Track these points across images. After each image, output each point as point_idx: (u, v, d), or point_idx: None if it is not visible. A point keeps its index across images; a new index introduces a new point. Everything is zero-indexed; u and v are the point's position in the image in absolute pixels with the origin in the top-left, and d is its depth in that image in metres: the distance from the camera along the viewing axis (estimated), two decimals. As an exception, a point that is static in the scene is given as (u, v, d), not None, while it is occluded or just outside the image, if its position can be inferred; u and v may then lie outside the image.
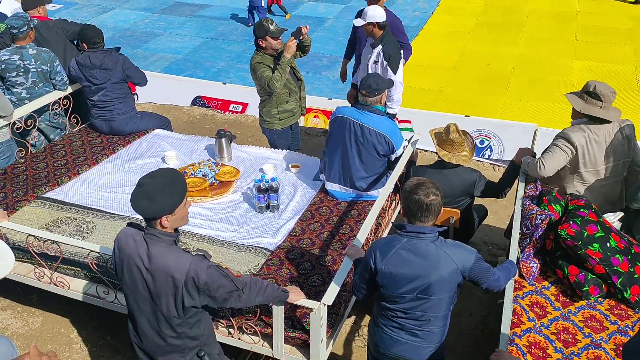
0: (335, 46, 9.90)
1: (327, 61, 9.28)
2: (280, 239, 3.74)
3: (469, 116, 6.58)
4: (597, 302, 3.09)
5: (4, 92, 4.73)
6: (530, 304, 3.07)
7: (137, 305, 2.51)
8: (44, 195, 4.21)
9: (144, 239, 2.40)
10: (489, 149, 6.52)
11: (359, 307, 3.98)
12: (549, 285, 3.22)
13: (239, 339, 3.12)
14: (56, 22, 5.42)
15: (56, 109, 5.03)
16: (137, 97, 5.35)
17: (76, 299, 3.57)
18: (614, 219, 3.42)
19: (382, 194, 3.69)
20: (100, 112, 4.95)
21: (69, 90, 5.07)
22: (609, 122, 3.48)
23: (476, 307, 4.18)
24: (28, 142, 4.90)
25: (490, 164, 6.34)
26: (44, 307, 4.12)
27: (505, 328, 2.77)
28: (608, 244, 3.04)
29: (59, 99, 5.01)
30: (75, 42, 5.39)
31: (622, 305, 3.06)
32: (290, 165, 4.57)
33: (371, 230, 3.43)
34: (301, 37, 4.56)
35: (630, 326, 2.94)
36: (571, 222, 3.11)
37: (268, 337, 3.04)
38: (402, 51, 4.83)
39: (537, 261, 3.26)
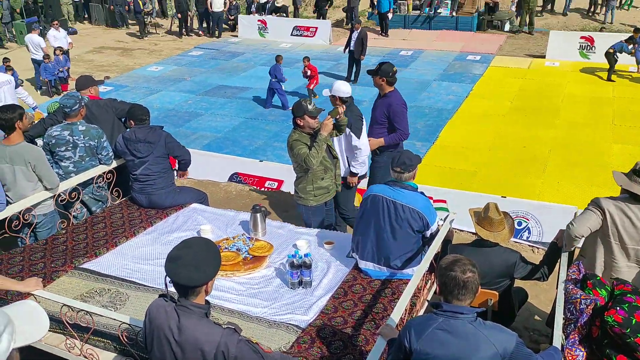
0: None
1: (362, 141, 9.43)
2: (312, 317, 3.65)
3: (505, 197, 6.50)
4: (650, 396, 2.86)
5: (52, 166, 4.95)
6: (577, 395, 2.87)
7: (165, 379, 2.45)
8: (81, 266, 4.27)
9: (175, 311, 2.38)
10: (527, 231, 6.37)
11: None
12: (597, 376, 3.01)
13: (266, 421, 2.98)
14: (106, 101, 5.74)
15: (100, 182, 5.22)
16: (177, 172, 5.52)
17: (104, 373, 3.52)
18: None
19: (417, 272, 3.61)
20: (141, 186, 5.10)
21: (114, 164, 5.27)
22: None
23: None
24: (70, 214, 5.05)
25: (529, 245, 6.17)
26: (72, 380, 4.06)
27: (551, 421, 2.58)
28: (660, 333, 2.86)
29: (103, 173, 5.20)
30: (122, 119, 5.67)
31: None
32: (324, 242, 4.54)
33: (406, 310, 3.33)
34: (337, 117, 4.69)
35: None
36: (618, 308, 2.95)
37: (297, 421, 2.90)
38: (363, 120, 5.27)
39: (583, 349, 3.08)
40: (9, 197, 4.70)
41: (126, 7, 20.21)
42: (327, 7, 18.95)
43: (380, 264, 4.01)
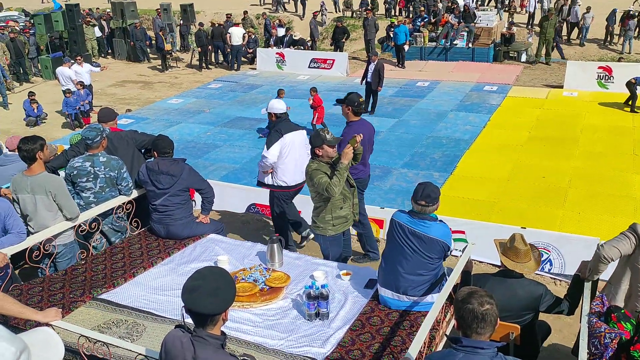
0: (388, 157, 10.11)
1: (379, 171, 9.44)
2: (329, 349, 3.60)
3: (525, 228, 6.41)
4: None
5: (73, 197, 5.02)
6: None
7: (180, 412, 2.42)
8: (99, 297, 4.29)
9: (191, 342, 2.37)
10: (548, 263, 6.25)
11: None
12: (625, 414, 2.90)
13: None
14: (128, 132, 5.85)
15: (119, 213, 5.27)
16: (195, 203, 5.55)
17: (119, 405, 3.49)
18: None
19: (435, 304, 3.55)
20: (159, 217, 5.14)
21: (134, 195, 5.33)
22: None
23: None
24: (90, 244, 5.09)
25: (551, 278, 6.06)
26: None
27: None
28: (689, 369, 2.76)
29: (123, 203, 5.26)
30: (142, 151, 5.76)
31: None
32: (341, 273, 4.51)
33: (424, 343, 3.26)
34: (355, 145, 4.71)
35: None
36: (645, 342, 2.86)
37: None
38: (284, 137, 5.78)
39: (609, 385, 2.98)
40: (30, 226, 4.77)
41: (147, 42, 20.76)
42: (344, 40, 19.23)
43: (399, 292, 3.97)
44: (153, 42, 20.88)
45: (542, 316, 4.06)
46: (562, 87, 14.51)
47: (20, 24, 21.92)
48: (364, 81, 12.72)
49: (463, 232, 6.41)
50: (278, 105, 5.98)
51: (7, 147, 6.26)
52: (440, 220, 3.97)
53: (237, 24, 19.72)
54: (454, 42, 18.00)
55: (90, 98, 13.82)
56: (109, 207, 5.14)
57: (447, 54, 18.10)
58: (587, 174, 9.01)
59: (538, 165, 9.42)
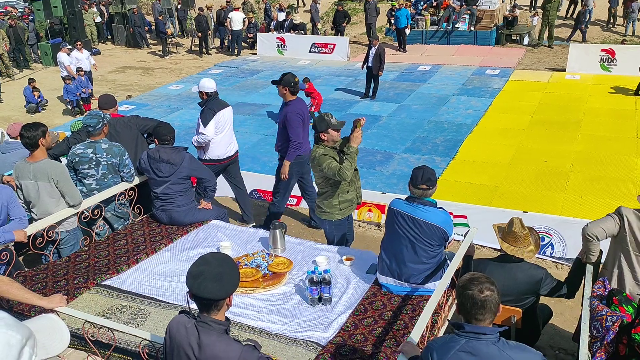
0: (390, 142, 10.10)
1: (380, 157, 9.43)
2: (332, 334, 3.63)
3: (527, 212, 6.42)
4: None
5: (75, 184, 5.03)
6: (605, 416, 2.79)
7: (185, 397, 2.44)
8: (103, 283, 4.32)
9: (196, 327, 2.39)
10: (550, 247, 6.27)
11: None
12: (626, 396, 2.93)
13: None
14: (130, 118, 5.84)
15: (122, 199, 5.28)
16: (200, 201, 5.54)
17: (125, 390, 3.53)
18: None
19: (437, 289, 3.57)
20: (161, 204, 5.15)
21: (136, 182, 5.34)
22: None
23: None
24: (93, 231, 5.11)
25: (553, 262, 6.07)
26: (93, 397, 4.08)
27: None
28: (690, 351, 2.78)
29: (125, 190, 5.27)
30: (145, 135, 5.76)
31: None
32: (343, 258, 4.53)
33: (427, 327, 3.29)
34: (359, 128, 4.69)
35: None
36: (646, 325, 2.87)
37: None
38: (217, 114, 6.11)
39: (610, 368, 3.00)
40: (33, 213, 4.79)
41: (146, 27, 20.62)
42: (344, 24, 19.09)
43: (401, 279, 3.98)
44: (152, 27, 20.74)
45: (544, 299, 4.09)
46: (564, 70, 14.42)
47: (19, 10, 21.81)
48: (365, 66, 12.65)
49: (465, 217, 6.42)
50: (208, 84, 6.26)
51: (8, 134, 6.25)
52: (441, 207, 3.96)
53: (236, 9, 19.57)
54: (456, 26, 17.86)
55: (91, 85, 13.79)
56: (112, 193, 5.15)
57: (448, 37, 17.97)
58: (589, 158, 8.99)
59: (540, 149, 9.40)
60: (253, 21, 19.72)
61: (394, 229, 3.92)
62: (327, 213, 4.87)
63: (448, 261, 3.99)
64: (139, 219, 5.43)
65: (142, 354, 3.29)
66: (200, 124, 6.23)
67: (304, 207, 7.41)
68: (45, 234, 4.61)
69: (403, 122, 11.22)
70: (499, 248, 3.96)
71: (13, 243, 4.34)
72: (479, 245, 5.99)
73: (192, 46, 19.86)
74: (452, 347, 2.42)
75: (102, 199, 5.07)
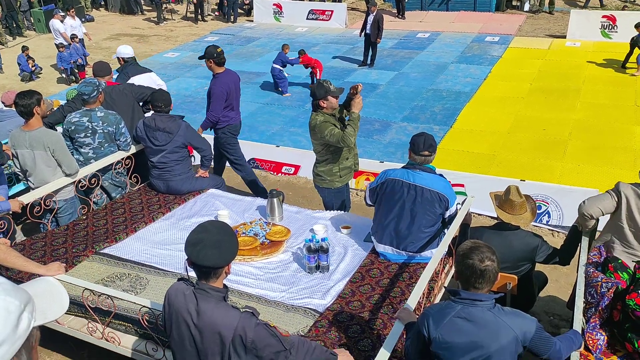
0: (387, 111, 10.04)
1: (378, 125, 9.39)
2: (330, 301, 3.66)
3: (524, 180, 6.42)
4: (673, 380, 2.83)
5: (72, 153, 5.01)
6: (597, 379, 2.85)
7: (184, 363, 2.48)
8: (101, 251, 4.34)
9: (194, 294, 2.40)
10: (547, 215, 6.30)
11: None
12: (618, 360, 2.98)
13: (285, 403, 3.01)
14: (126, 85, 5.77)
15: (119, 168, 5.26)
16: (194, 158, 5.54)
17: (125, 356, 3.58)
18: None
19: (434, 256, 3.59)
20: (159, 173, 5.14)
21: (132, 150, 5.31)
22: None
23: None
24: (91, 200, 5.11)
25: (549, 229, 6.10)
26: (95, 363, 4.15)
27: (571, 405, 2.56)
28: (683, 317, 2.82)
29: (122, 159, 5.25)
30: (141, 103, 5.70)
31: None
32: (341, 227, 4.54)
33: (423, 294, 3.32)
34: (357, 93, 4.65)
35: None
36: (640, 292, 2.91)
37: (315, 403, 2.91)
38: (130, 79, 6.05)
39: (604, 333, 3.04)
40: (30, 181, 4.78)
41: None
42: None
43: (399, 247, 4.00)
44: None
45: (539, 266, 4.12)
46: (565, 37, 14.25)
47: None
48: (363, 33, 12.47)
49: (462, 185, 6.42)
50: (125, 50, 6.40)
51: (3, 102, 6.19)
52: (440, 174, 3.96)
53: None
54: (456, -9, 17.55)
55: (86, 52, 13.59)
56: (108, 162, 5.13)
57: (448, 3, 17.69)
58: (588, 126, 8.96)
59: (539, 118, 9.36)
60: (249, -13, 19.33)
61: (393, 199, 3.91)
62: (327, 181, 4.85)
63: (444, 230, 4.00)
64: (136, 187, 5.43)
65: (141, 321, 3.33)
66: None
67: (301, 176, 7.40)
68: (42, 202, 4.61)
69: (401, 91, 11.13)
70: (496, 216, 3.97)
71: (10, 212, 4.34)
72: (476, 213, 6.01)
73: (187, 13, 19.52)
74: (448, 314, 2.45)
75: (98, 167, 5.05)
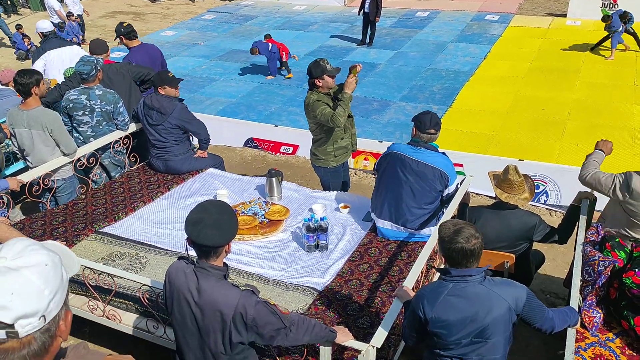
0: (386, 90, 9.98)
1: (377, 105, 9.34)
2: (329, 279, 3.69)
3: (523, 160, 6.43)
4: (667, 357, 2.87)
5: (71, 131, 4.99)
6: (593, 356, 2.89)
7: (185, 340, 2.51)
8: (101, 230, 4.35)
9: (195, 273, 2.42)
10: (544, 194, 6.32)
11: (408, 354, 3.84)
12: (614, 337, 3.02)
13: (284, 380, 3.06)
14: (123, 64, 5.73)
15: (117, 147, 5.25)
16: (193, 138, 5.52)
17: (126, 334, 3.62)
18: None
19: (433, 235, 3.60)
20: (157, 152, 5.13)
21: (131, 129, 5.29)
22: None
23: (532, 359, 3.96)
24: (90, 179, 5.11)
25: (547, 209, 6.13)
26: (96, 340, 4.19)
27: (566, 381, 2.60)
28: (679, 295, 2.85)
29: (120, 138, 5.23)
30: (138, 83, 5.67)
31: (696, 362, 2.83)
32: (340, 206, 4.55)
33: (421, 272, 3.34)
34: (355, 75, 4.61)
35: None
36: (637, 270, 2.93)
37: (314, 380, 2.96)
38: (47, 52, 6.40)
39: (600, 310, 3.08)
40: (28, 161, 4.77)
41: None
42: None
43: (398, 223, 4.02)
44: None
45: (537, 245, 4.15)
46: (565, 15, 14.12)
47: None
48: (362, 11, 12.34)
49: (461, 165, 6.43)
50: (42, 25, 6.93)
51: (0, 81, 6.14)
52: (443, 153, 3.98)
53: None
54: (456, -31, 17.31)
55: (81, 31, 13.45)
56: (106, 142, 5.11)
57: (448, -19, 17.45)
58: (587, 106, 8.93)
59: (538, 97, 9.32)
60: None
61: (395, 173, 3.93)
62: (322, 160, 4.86)
63: (443, 209, 4.02)
64: (135, 167, 5.42)
65: (142, 299, 3.36)
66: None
67: (300, 155, 7.39)
68: (41, 181, 4.61)
69: (400, 70, 11.05)
70: (494, 196, 3.98)
71: (9, 191, 4.34)
72: (475, 193, 6.02)
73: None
74: (441, 293, 2.48)
75: (97, 147, 5.04)
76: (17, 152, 4.85)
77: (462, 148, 7.18)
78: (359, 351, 2.69)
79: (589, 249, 3.23)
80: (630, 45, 11.27)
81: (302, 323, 2.56)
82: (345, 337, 2.77)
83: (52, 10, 13.22)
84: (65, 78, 5.82)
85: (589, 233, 3.45)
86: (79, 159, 4.90)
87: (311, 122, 4.74)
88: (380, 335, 2.74)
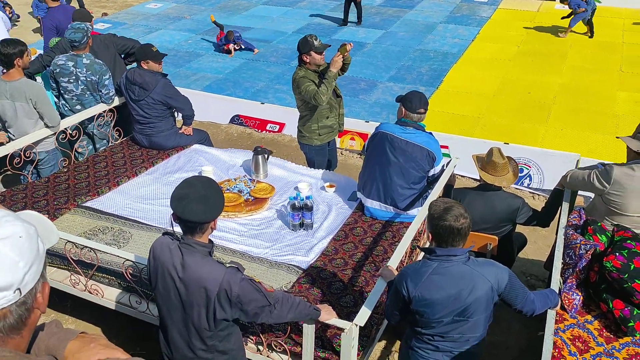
0: (374, 70, 9.94)
1: (364, 85, 9.30)
2: (313, 258, 3.70)
3: (508, 143, 6.47)
4: (643, 339, 2.93)
5: (58, 97, 4.90)
6: (572, 337, 2.94)
7: (169, 315, 2.50)
8: (84, 204, 4.30)
9: (179, 249, 2.40)
10: (528, 178, 6.37)
11: (390, 332, 3.89)
12: (592, 320, 3.08)
13: (267, 356, 3.08)
14: (107, 36, 5.61)
15: (100, 121, 5.17)
16: (177, 114, 5.44)
17: (109, 309, 3.60)
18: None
19: (417, 217, 3.63)
20: (141, 128, 5.06)
21: (115, 103, 5.19)
22: None
23: (513, 341, 4.03)
24: (74, 151, 5.03)
25: (530, 192, 6.19)
26: (77, 315, 4.17)
27: (545, 360, 2.65)
28: (656, 279, 2.90)
29: (103, 111, 5.14)
30: (122, 56, 5.56)
31: (670, 344, 2.90)
32: (325, 185, 4.55)
33: (406, 253, 3.37)
34: (345, 54, 4.56)
35: (679, 367, 2.78)
36: (617, 254, 2.98)
37: (297, 356, 2.99)
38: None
39: (580, 293, 3.13)
40: (10, 133, 4.67)
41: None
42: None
43: (386, 203, 4.03)
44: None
45: (519, 228, 4.20)
46: None
47: None
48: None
49: (447, 147, 6.45)
50: None
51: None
52: (430, 133, 4.00)
53: None
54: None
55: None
56: (88, 115, 5.02)
57: (438, -39, 17.29)
58: (572, 90, 8.99)
59: (525, 81, 9.35)
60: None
61: (384, 153, 3.93)
62: (306, 137, 4.84)
63: (429, 190, 4.03)
64: (118, 141, 5.35)
65: (125, 274, 3.34)
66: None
67: (286, 134, 7.35)
68: (22, 153, 4.52)
69: (388, 50, 10.99)
70: (479, 178, 4.01)
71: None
72: (460, 175, 6.05)
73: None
74: (425, 272, 2.50)
75: (80, 119, 4.95)
76: (-2, 123, 4.74)
77: (448, 130, 7.20)
78: (342, 329, 2.71)
79: (570, 232, 3.27)
80: (579, 31, 11.33)
81: (287, 301, 2.57)
82: (328, 316, 2.79)
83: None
84: (49, 48, 5.69)
85: (572, 217, 3.49)
86: (62, 131, 4.81)
87: (297, 98, 4.72)
88: (363, 314, 2.76)
